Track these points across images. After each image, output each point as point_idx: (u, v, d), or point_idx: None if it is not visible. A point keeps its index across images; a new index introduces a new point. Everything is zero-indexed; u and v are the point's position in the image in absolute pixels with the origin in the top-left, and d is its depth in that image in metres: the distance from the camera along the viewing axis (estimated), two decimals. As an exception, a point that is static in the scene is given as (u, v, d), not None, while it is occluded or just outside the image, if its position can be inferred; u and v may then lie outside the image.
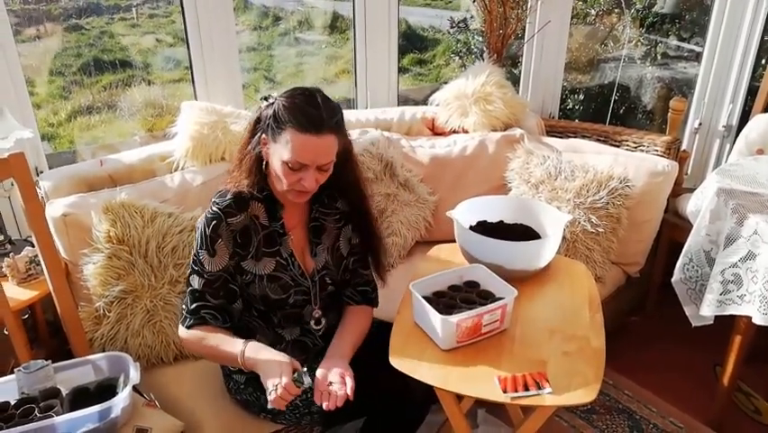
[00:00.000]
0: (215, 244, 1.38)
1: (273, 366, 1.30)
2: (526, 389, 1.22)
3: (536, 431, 1.34)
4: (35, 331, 1.88)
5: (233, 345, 1.37)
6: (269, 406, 1.27)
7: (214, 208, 1.39)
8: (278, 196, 1.44)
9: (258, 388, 1.48)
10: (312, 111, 1.31)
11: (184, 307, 1.43)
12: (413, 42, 4.80)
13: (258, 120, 1.39)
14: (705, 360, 2.33)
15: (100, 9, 3.21)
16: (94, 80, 3.32)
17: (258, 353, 1.34)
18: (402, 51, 3.49)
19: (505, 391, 1.22)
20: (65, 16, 3.06)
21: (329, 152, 1.34)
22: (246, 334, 1.49)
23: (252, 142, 1.39)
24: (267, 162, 1.39)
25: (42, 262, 1.56)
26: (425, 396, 1.42)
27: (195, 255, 1.40)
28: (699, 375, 2.29)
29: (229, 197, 1.39)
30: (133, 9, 3.44)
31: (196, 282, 1.40)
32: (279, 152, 1.33)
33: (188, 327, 1.42)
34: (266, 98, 1.38)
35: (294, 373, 1.29)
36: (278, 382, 1.26)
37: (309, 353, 1.53)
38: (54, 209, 1.71)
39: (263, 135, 1.37)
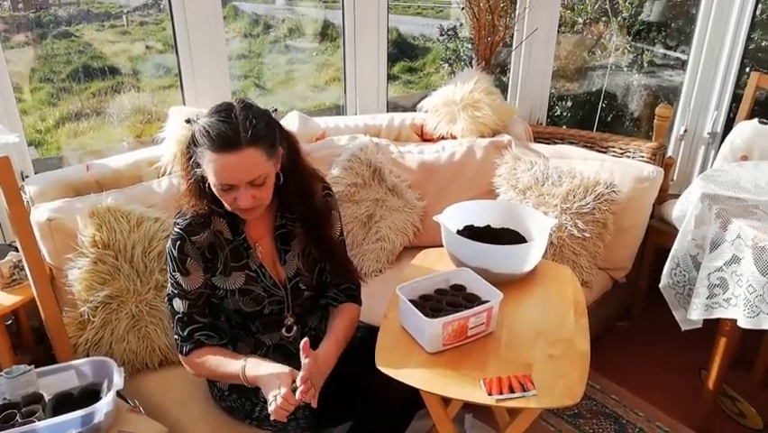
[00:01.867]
0: (186, 264, 1.38)
1: (272, 379, 1.29)
2: (512, 391, 1.22)
3: (523, 435, 1.34)
4: (19, 337, 1.86)
5: (233, 365, 1.36)
6: (272, 418, 1.27)
7: (176, 229, 1.38)
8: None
9: (242, 394, 1.48)
10: (225, 129, 1.24)
11: (177, 336, 1.42)
12: (404, 51, 4.83)
13: (188, 145, 1.35)
14: (691, 364, 2.34)
15: (90, 16, 3.21)
16: (82, 87, 3.31)
17: (258, 368, 1.34)
18: (393, 59, 3.51)
19: (490, 394, 1.22)
20: (55, 23, 3.05)
21: (254, 168, 1.28)
22: (230, 342, 1.49)
23: (191, 165, 1.34)
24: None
25: (26, 267, 1.54)
26: (410, 400, 1.42)
27: (171, 278, 1.40)
28: (685, 379, 2.30)
29: (188, 216, 1.38)
30: (124, 17, 3.44)
31: (180, 306, 1.40)
32: (207, 175, 1.30)
33: (187, 354, 1.41)
34: (188, 121, 1.34)
35: (293, 382, 1.28)
36: (277, 393, 1.26)
37: (292, 357, 1.52)
38: (39, 214, 1.70)
39: (197, 159, 1.32)
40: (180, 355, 1.44)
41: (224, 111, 1.28)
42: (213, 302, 1.44)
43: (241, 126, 1.25)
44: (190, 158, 1.34)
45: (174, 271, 1.38)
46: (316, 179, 1.52)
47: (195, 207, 1.38)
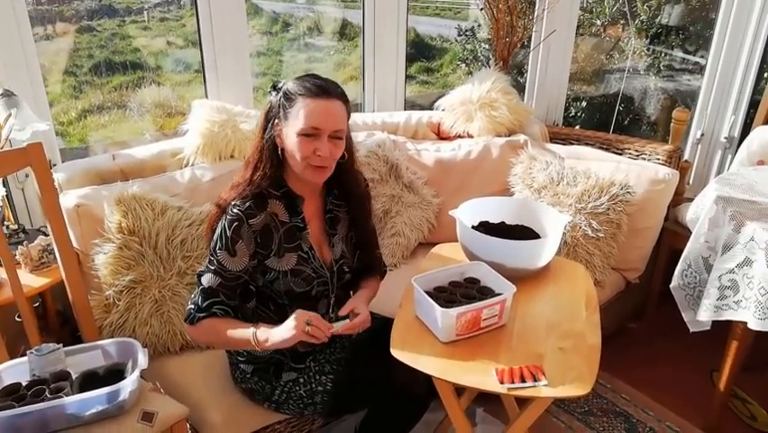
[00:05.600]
0: (236, 245, 1.41)
1: (288, 321, 1.36)
2: (523, 381, 1.25)
3: (534, 431, 1.36)
4: (45, 320, 1.92)
5: (244, 327, 1.40)
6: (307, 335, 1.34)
7: (235, 210, 1.41)
8: (296, 190, 1.48)
9: (263, 377, 1.52)
10: (318, 81, 1.41)
11: (192, 306, 1.43)
12: (421, 51, 4.86)
13: (269, 109, 1.44)
14: (702, 366, 2.35)
15: (112, 11, 3.27)
16: (104, 81, 3.38)
17: (270, 328, 1.39)
18: (410, 60, 3.54)
19: (502, 382, 1.25)
20: (77, 18, 3.11)
21: (340, 119, 1.41)
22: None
23: (267, 130, 1.44)
24: (282, 149, 1.43)
25: (56, 250, 1.60)
26: (425, 390, 1.46)
27: (213, 255, 1.42)
28: (697, 381, 2.31)
29: (249, 199, 1.42)
30: (145, 12, 3.50)
31: (210, 281, 1.41)
32: (293, 126, 1.38)
33: (196, 322, 1.42)
34: (274, 86, 1.45)
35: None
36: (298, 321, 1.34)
37: (316, 346, 1.56)
38: (67, 200, 1.76)
39: (275, 121, 1.42)
40: (186, 324, 1.44)
41: (312, 74, 1.44)
42: (248, 288, 1.48)
43: (331, 84, 1.42)
44: (267, 123, 1.44)
45: (221, 249, 1.41)
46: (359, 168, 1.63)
47: (261, 172, 1.43)
